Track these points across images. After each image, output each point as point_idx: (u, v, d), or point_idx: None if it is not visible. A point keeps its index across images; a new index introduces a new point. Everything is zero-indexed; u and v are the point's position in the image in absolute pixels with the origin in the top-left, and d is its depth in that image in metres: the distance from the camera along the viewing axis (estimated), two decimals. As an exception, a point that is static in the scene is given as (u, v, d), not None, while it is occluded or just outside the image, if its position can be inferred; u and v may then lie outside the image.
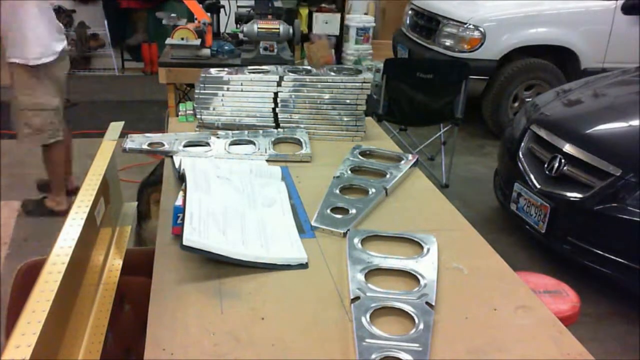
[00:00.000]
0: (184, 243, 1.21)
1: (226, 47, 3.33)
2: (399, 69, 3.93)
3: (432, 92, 3.89)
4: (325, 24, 6.35)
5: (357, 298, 1.18)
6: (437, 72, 3.84)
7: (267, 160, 1.84)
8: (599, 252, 2.75)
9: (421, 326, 1.10)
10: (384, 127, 3.98)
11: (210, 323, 1.11)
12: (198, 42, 3.20)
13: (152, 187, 2.35)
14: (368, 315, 1.12)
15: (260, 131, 2.03)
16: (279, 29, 3.48)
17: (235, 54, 3.35)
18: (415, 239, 1.41)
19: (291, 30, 3.26)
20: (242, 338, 1.07)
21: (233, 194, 1.54)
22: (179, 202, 1.40)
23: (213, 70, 2.09)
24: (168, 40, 3.15)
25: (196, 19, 3.26)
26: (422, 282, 1.24)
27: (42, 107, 3.17)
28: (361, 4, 6.90)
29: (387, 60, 4.18)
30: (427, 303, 1.17)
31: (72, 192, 3.36)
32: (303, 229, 1.46)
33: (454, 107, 3.93)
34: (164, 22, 3.41)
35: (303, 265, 1.31)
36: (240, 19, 3.52)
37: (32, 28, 3.03)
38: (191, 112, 2.16)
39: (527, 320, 1.16)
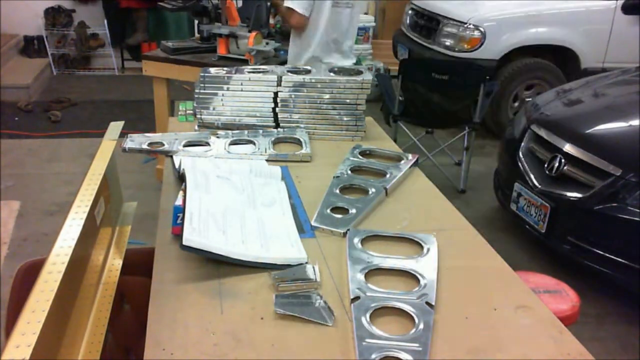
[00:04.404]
0: (184, 243, 1.21)
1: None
2: (415, 69, 3.90)
3: (448, 94, 3.85)
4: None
5: (357, 298, 1.18)
6: (453, 73, 3.79)
7: (267, 160, 1.84)
8: (599, 252, 2.74)
9: (421, 326, 1.10)
10: (401, 131, 3.98)
11: (210, 323, 1.11)
12: (277, 45, 3.25)
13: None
14: (368, 315, 1.12)
15: (260, 131, 2.02)
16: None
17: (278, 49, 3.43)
18: (415, 239, 1.41)
19: None
20: (242, 338, 1.07)
21: (233, 194, 1.54)
22: (178, 202, 1.40)
23: (212, 70, 2.09)
24: (256, 47, 3.12)
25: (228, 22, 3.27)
26: (422, 282, 1.24)
27: None
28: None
29: (402, 60, 4.17)
30: (427, 303, 1.17)
31: None
32: (303, 228, 1.46)
33: (472, 111, 3.87)
34: (214, 31, 3.30)
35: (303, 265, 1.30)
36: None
37: None
38: (191, 112, 2.16)
39: (527, 320, 1.16)
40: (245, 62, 3.17)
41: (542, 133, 3.12)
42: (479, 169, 4.27)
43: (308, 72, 2.11)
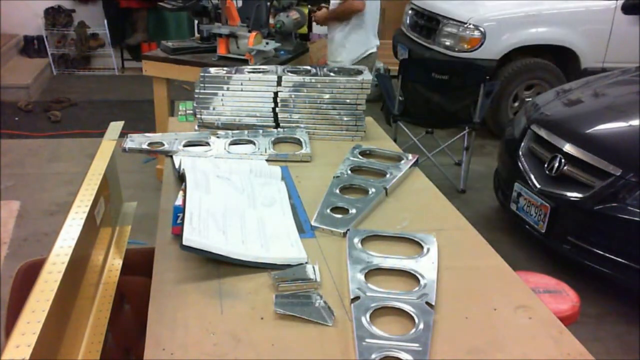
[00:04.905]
0: (184, 243, 1.21)
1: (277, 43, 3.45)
2: (415, 69, 3.90)
3: (448, 94, 3.85)
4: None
5: (357, 298, 1.18)
6: (453, 73, 3.79)
7: (267, 160, 1.84)
8: (599, 252, 2.74)
9: (421, 326, 1.10)
10: (401, 131, 3.98)
11: (210, 323, 1.11)
12: (277, 45, 3.27)
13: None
14: (368, 315, 1.12)
15: (260, 131, 2.02)
16: (299, 17, 3.55)
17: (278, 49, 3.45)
18: (415, 239, 1.41)
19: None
20: (242, 338, 1.07)
21: (233, 194, 1.54)
22: (178, 202, 1.40)
23: (212, 70, 2.09)
24: (256, 47, 3.13)
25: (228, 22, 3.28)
26: (422, 282, 1.24)
27: None
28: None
29: (402, 60, 4.17)
30: (427, 303, 1.17)
31: None
32: (303, 228, 1.46)
33: (472, 111, 3.88)
34: (214, 31, 3.32)
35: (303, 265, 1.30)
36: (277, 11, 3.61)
37: None
38: (191, 112, 2.16)
39: (527, 320, 1.16)
40: (245, 62, 3.18)
41: (542, 133, 3.12)
42: (479, 169, 4.27)
43: (308, 72, 2.11)
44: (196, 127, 2.08)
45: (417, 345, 1.05)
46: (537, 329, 1.14)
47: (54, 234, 1.11)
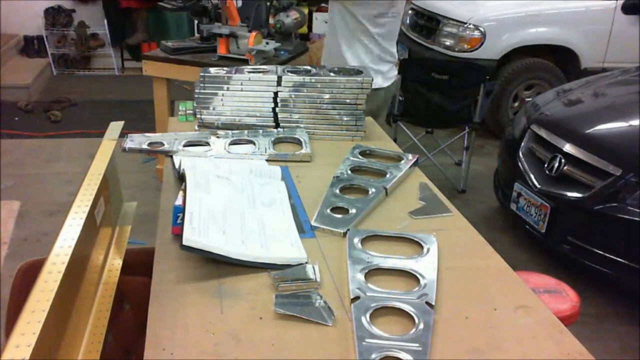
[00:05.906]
0: (184, 243, 1.21)
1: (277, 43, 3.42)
2: (415, 69, 3.91)
3: (448, 93, 3.85)
4: (325, 23, 6.34)
5: (357, 298, 1.18)
6: (453, 73, 3.79)
7: (267, 160, 1.84)
8: (599, 252, 2.75)
9: (421, 326, 1.10)
10: (401, 131, 3.98)
11: (210, 323, 1.11)
12: (277, 45, 3.26)
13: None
14: (368, 315, 1.12)
15: (260, 131, 2.02)
16: (299, 17, 3.55)
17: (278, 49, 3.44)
18: (415, 239, 1.41)
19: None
20: (242, 338, 1.07)
21: (233, 194, 1.54)
22: (178, 201, 1.40)
23: (212, 70, 2.09)
24: (256, 47, 3.12)
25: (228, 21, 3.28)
26: (422, 282, 1.24)
27: None
28: (361, 3, 6.89)
29: (402, 60, 4.19)
30: (427, 303, 1.17)
31: None
32: (303, 228, 1.46)
33: (472, 111, 3.88)
34: (215, 31, 3.30)
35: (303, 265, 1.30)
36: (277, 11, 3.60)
37: None
38: (191, 112, 2.16)
39: (527, 320, 1.16)
40: (245, 62, 3.17)
41: (542, 133, 3.12)
42: (479, 169, 4.27)
43: (308, 72, 2.11)
44: (196, 127, 2.08)
45: (417, 345, 1.05)
46: (537, 329, 1.14)
47: (54, 234, 1.11)
